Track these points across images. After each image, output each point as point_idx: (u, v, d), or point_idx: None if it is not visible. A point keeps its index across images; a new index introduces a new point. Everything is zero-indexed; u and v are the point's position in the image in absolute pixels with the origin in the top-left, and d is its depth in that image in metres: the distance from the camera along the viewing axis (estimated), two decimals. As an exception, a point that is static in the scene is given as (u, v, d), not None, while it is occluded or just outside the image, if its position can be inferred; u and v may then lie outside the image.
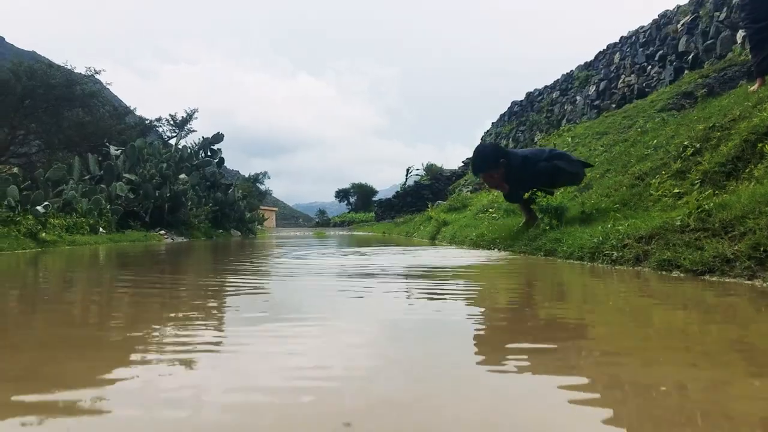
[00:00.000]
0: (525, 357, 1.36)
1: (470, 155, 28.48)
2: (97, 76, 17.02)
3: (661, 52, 13.97)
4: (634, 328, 1.74)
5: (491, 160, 5.37)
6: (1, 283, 3.50)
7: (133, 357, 1.37)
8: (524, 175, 5.27)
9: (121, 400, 1.04)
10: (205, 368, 1.28)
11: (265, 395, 1.06)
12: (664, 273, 2.98)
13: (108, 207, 11.18)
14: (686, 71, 12.55)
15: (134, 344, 1.52)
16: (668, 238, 3.24)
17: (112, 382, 1.17)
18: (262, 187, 53.70)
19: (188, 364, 1.30)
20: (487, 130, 27.09)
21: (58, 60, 16.50)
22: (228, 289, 2.95)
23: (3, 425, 0.91)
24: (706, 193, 3.76)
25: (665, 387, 1.07)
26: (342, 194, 55.44)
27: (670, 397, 1.02)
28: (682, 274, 2.87)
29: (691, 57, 12.70)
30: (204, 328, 1.79)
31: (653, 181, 4.98)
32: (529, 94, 22.58)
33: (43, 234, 7.82)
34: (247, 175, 54.47)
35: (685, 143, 5.16)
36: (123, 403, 1.02)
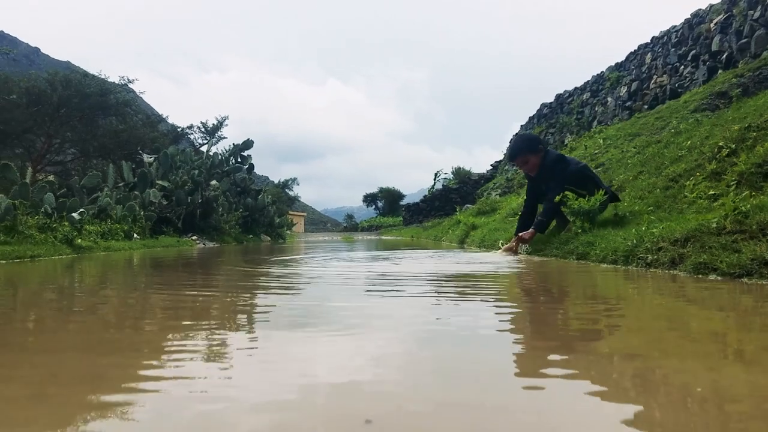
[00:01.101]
0: (564, 365, 1.35)
1: (499, 158, 28.33)
2: (130, 85, 17.37)
3: (693, 51, 13.74)
4: (674, 333, 1.72)
5: (533, 145, 5.62)
6: (54, 288, 3.58)
7: (166, 359, 1.40)
8: (554, 173, 5.29)
9: (157, 401, 1.07)
10: (239, 366, 1.30)
11: (292, 395, 1.07)
12: (700, 276, 2.93)
13: (142, 213, 11.37)
14: (720, 71, 12.33)
15: (168, 346, 1.55)
16: (704, 241, 3.19)
17: (152, 381, 1.20)
18: (291, 193, 54.15)
19: (222, 360, 1.33)
20: (516, 133, 26.90)
21: (92, 70, 16.87)
22: (263, 295, 2.99)
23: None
24: (743, 194, 3.69)
25: (701, 388, 1.07)
26: (370, 199, 55.52)
27: (708, 401, 1.01)
28: (719, 277, 2.82)
29: (724, 56, 12.47)
30: (241, 331, 1.83)
31: (688, 182, 4.90)
32: (558, 96, 22.38)
33: (79, 240, 7.98)
34: (276, 181, 54.98)
35: (720, 144, 5.08)
36: (159, 404, 1.05)
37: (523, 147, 5.70)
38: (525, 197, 6.08)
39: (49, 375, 1.27)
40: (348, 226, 53.12)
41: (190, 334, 1.73)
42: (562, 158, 5.48)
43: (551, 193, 5.19)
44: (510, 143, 6.51)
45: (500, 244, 6.12)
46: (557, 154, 5.60)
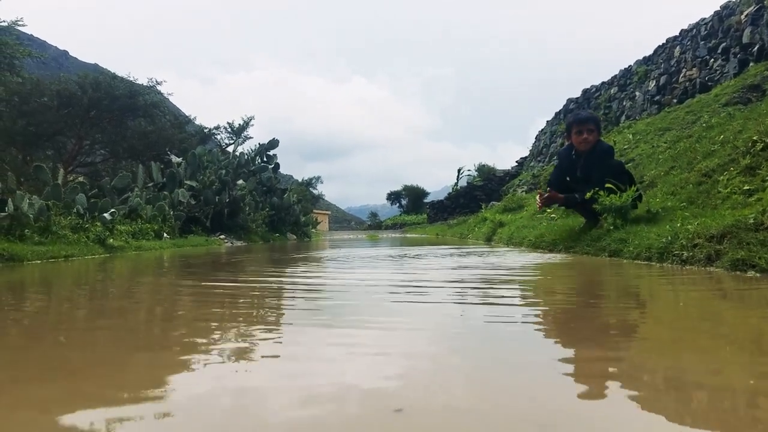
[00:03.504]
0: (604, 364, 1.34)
1: (524, 155, 28.06)
2: (158, 87, 17.59)
3: (724, 44, 13.48)
4: (709, 331, 1.70)
5: (600, 125, 5.73)
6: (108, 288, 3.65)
7: (196, 355, 1.43)
8: (602, 162, 5.18)
9: (189, 392, 1.09)
10: (269, 360, 1.32)
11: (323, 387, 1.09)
12: (738, 273, 2.89)
13: (171, 213, 11.52)
14: (751, 63, 12.08)
15: (199, 342, 1.58)
16: (741, 237, 3.13)
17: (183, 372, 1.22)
18: (315, 191, 54.32)
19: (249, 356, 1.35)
20: (542, 129, 26.67)
21: (119, 72, 17.07)
22: (293, 292, 3.01)
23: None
24: (781, 189, 3.62)
25: (753, 381, 1.06)
26: (393, 197, 55.51)
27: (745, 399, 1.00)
28: (757, 274, 2.77)
29: (756, 49, 12.21)
30: (269, 327, 1.85)
31: (721, 177, 4.82)
32: (585, 91, 22.12)
33: (111, 240, 8.11)
34: (300, 180, 55.18)
35: (755, 138, 4.97)
36: (191, 398, 1.07)
37: (597, 119, 5.67)
38: (553, 175, 5.82)
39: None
40: (372, 225, 53.12)
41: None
42: (613, 150, 5.50)
43: (594, 181, 5.04)
44: (583, 112, 6.28)
45: (537, 198, 5.77)
46: (609, 144, 5.62)
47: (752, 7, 12.62)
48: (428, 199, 45.86)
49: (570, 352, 1.47)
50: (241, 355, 1.44)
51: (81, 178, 14.89)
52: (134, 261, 6.24)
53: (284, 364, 1.36)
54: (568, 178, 5.49)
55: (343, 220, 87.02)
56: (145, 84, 17.36)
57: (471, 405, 1.01)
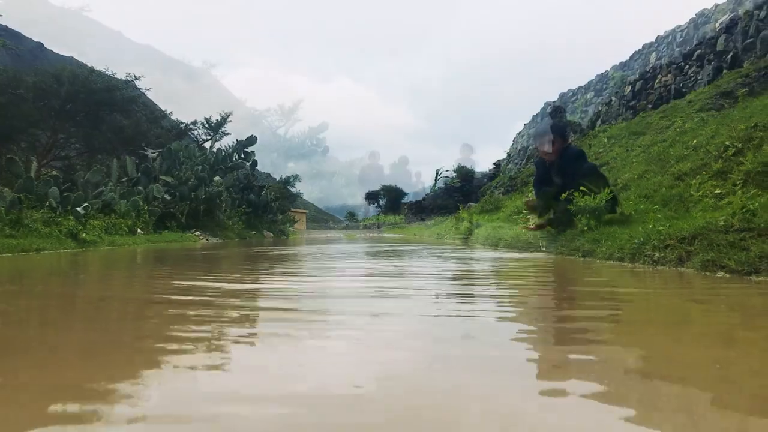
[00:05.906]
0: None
1: (501, 157, 28.24)
2: (135, 83, 17.39)
3: (698, 51, 13.72)
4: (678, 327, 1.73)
5: (566, 132, 5.72)
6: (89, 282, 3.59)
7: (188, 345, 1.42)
8: (573, 167, 5.25)
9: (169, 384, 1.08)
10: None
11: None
12: (707, 273, 2.94)
13: (145, 208, 11.40)
14: (725, 71, 12.31)
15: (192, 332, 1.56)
16: (711, 239, 3.19)
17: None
18: (293, 190, 54.06)
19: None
20: (519, 132, 26.92)
21: (97, 65, 16.87)
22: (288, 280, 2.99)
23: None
24: (751, 192, 3.70)
25: (719, 365, 1.07)
26: (372, 197, 55.49)
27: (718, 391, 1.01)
28: (726, 275, 2.83)
29: (730, 56, 12.46)
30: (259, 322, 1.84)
31: (693, 181, 4.91)
32: (562, 95, 22.35)
33: (84, 234, 8.00)
34: (278, 178, 54.92)
35: (726, 143, 5.08)
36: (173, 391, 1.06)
37: (561, 128, 5.71)
38: (536, 186, 5.94)
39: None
40: (350, 224, 53.10)
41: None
42: (584, 154, 5.56)
43: (569, 184, 5.11)
44: (543, 124, 6.37)
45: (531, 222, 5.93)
46: (579, 149, 5.68)
47: (727, 16, 12.87)
48: (406, 200, 45.95)
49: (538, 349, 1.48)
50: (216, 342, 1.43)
51: (54, 172, 14.66)
52: (105, 257, 6.15)
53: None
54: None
55: (320, 219, 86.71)
56: (123, 78, 17.17)
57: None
